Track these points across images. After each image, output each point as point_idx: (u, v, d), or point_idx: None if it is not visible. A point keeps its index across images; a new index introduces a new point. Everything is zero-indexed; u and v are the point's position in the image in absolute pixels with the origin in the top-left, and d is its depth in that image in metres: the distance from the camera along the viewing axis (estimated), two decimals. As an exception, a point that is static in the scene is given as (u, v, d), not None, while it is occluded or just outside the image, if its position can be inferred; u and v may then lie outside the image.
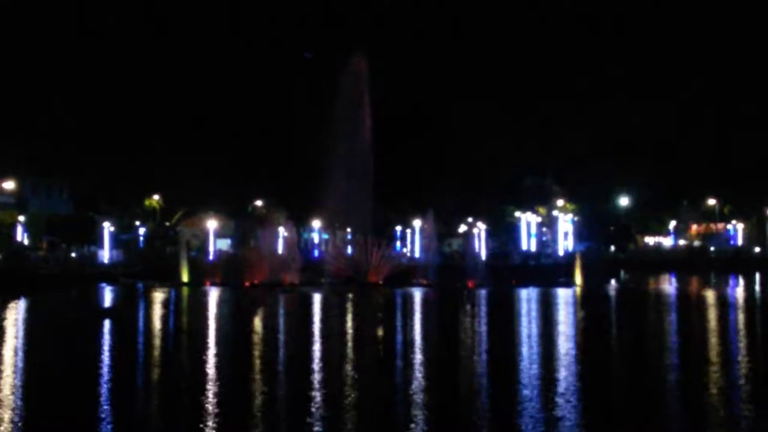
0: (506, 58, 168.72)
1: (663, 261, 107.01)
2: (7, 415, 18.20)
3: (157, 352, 29.40)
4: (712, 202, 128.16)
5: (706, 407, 19.18)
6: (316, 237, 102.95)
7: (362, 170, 77.28)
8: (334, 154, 77.54)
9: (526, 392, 20.61)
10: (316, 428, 17.03)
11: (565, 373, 23.47)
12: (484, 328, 36.91)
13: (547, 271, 76.44)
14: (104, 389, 21.75)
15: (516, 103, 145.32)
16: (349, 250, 77.33)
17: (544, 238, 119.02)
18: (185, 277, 71.36)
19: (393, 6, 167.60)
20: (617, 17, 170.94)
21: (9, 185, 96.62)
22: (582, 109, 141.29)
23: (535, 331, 35.58)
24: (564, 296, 54.64)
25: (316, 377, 23.13)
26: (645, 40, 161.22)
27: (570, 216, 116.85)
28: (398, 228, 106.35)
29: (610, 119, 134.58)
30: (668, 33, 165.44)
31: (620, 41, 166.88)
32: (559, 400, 19.52)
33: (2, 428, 17.11)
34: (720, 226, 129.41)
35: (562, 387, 21.19)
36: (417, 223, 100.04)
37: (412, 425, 17.34)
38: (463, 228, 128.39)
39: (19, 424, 17.58)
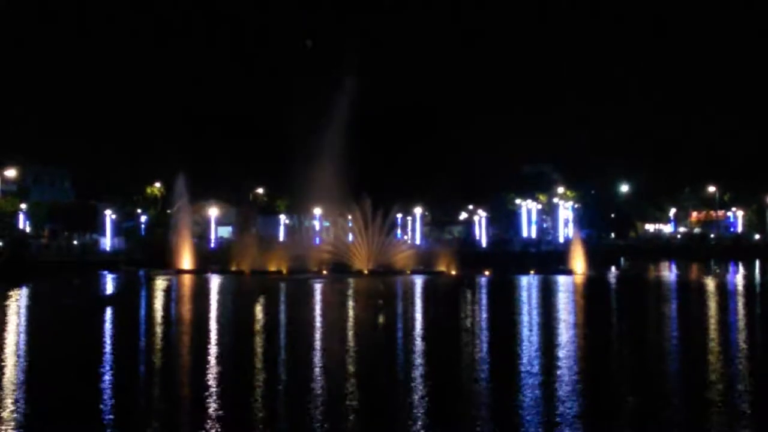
0: (509, 51, 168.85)
1: (663, 248, 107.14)
2: (9, 404, 18.39)
3: (157, 339, 29.56)
4: (712, 189, 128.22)
5: (707, 391, 19.39)
6: (317, 225, 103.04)
7: (359, 158, 77.29)
8: (331, 142, 77.57)
9: (528, 381, 20.81)
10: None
11: (564, 362, 23.66)
12: (484, 316, 37.10)
13: (548, 258, 76.60)
14: (103, 376, 21.92)
15: (519, 96, 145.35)
16: (350, 237, 77.41)
17: (544, 225, 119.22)
18: (186, 265, 71.53)
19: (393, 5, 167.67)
20: (619, 15, 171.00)
21: (11, 173, 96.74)
22: (585, 101, 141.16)
23: (535, 317, 35.74)
24: (564, 283, 54.77)
25: (318, 368, 23.34)
26: (647, 39, 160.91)
27: (570, 203, 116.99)
28: (399, 215, 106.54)
29: (613, 113, 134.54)
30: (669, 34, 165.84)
31: (622, 38, 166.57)
32: (559, 394, 19.72)
33: (5, 416, 17.31)
34: (720, 213, 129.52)
35: (562, 379, 21.37)
36: (418, 210, 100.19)
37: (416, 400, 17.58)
38: (463, 215, 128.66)
39: (22, 413, 17.77)
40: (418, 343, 27.45)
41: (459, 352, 25.22)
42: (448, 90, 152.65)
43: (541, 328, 31.30)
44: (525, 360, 23.58)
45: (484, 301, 44.89)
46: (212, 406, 17.98)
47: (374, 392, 19.76)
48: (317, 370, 22.28)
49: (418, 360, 23.95)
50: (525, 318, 35.46)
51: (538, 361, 23.48)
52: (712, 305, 40.94)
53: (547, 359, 23.60)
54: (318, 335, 30.17)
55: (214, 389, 19.81)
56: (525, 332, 30.21)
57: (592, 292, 50.06)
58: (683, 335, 29.31)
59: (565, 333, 29.67)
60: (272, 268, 67.64)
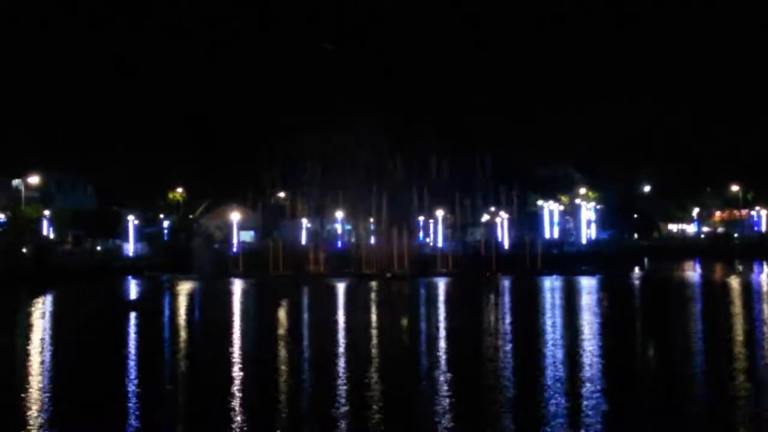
0: (531, 52, 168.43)
1: (687, 248, 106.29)
2: (36, 407, 18.51)
3: (183, 344, 29.66)
4: (735, 188, 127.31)
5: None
6: (339, 228, 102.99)
7: (381, 161, 77.35)
8: (351, 146, 77.61)
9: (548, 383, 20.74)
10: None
11: (588, 371, 23.58)
12: (508, 320, 36.98)
13: (571, 260, 76.20)
14: (131, 381, 22.02)
15: (540, 97, 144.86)
16: (372, 240, 77.41)
17: (567, 226, 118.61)
18: (210, 269, 71.55)
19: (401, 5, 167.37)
20: (639, 14, 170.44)
21: (34, 180, 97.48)
22: (607, 101, 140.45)
23: (558, 320, 35.57)
24: (587, 285, 54.44)
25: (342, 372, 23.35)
26: (668, 38, 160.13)
27: (593, 204, 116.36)
28: (421, 218, 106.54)
29: (635, 113, 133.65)
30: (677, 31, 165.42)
31: (642, 38, 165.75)
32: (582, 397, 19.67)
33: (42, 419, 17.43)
34: (744, 212, 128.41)
35: (586, 392, 21.31)
36: (440, 213, 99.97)
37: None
38: (485, 217, 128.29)
39: (52, 416, 17.88)
40: (442, 345, 27.42)
41: (481, 355, 25.17)
42: (467, 93, 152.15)
43: (566, 331, 31.16)
44: (549, 362, 23.50)
45: (507, 304, 44.77)
46: (251, 405, 18.04)
47: (398, 385, 19.78)
48: (340, 369, 22.29)
49: (442, 360, 23.92)
50: (548, 321, 35.29)
51: (563, 366, 23.40)
52: (739, 306, 40.60)
53: (572, 365, 23.51)
54: (343, 337, 30.15)
55: (249, 390, 19.87)
56: (549, 336, 30.08)
57: (617, 293, 49.72)
58: (712, 340, 29.06)
59: (590, 338, 29.54)
60: (295, 271, 67.55)
